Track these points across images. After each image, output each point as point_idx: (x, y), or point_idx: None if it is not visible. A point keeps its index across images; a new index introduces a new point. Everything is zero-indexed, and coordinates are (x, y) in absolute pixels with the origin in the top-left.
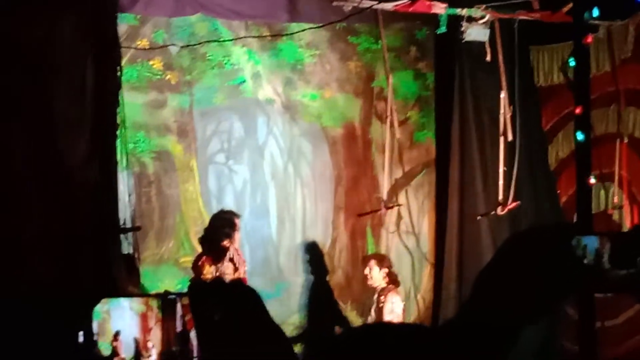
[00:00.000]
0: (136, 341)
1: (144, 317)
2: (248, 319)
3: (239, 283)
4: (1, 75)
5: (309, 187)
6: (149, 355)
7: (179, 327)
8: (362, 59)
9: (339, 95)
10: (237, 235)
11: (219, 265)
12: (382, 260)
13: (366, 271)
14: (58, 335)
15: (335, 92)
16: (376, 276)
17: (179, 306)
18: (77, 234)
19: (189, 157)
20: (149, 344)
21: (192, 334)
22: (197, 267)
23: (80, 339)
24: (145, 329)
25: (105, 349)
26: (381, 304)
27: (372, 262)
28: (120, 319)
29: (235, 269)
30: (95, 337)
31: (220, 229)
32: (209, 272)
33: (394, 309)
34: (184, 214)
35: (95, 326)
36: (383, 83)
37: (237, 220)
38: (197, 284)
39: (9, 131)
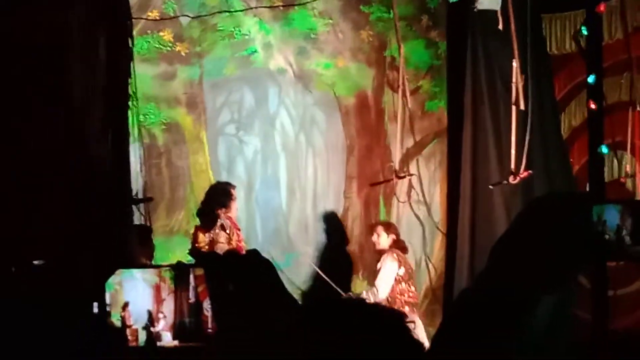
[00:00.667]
0: (149, 312)
1: (156, 289)
2: (262, 290)
3: (254, 254)
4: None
5: (321, 157)
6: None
7: (192, 299)
8: (374, 28)
9: (351, 64)
10: (234, 205)
11: (211, 233)
12: (389, 226)
13: (374, 238)
14: (71, 307)
15: (348, 61)
16: (383, 242)
17: (191, 277)
18: (90, 206)
19: (198, 129)
20: (160, 315)
21: (206, 305)
22: (193, 237)
23: (95, 309)
24: (158, 300)
25: (117, 320)
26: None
27: (380, 229)
28: (132, 290)
29: (229, 238)
30: (108, 309)
31: (215, 197)
32: (203, 240)
33: (382, 274)
34: (194, 185)
35: (107, 298)
36: (395, 52)
37: (232, 190)
38: (212, 255)
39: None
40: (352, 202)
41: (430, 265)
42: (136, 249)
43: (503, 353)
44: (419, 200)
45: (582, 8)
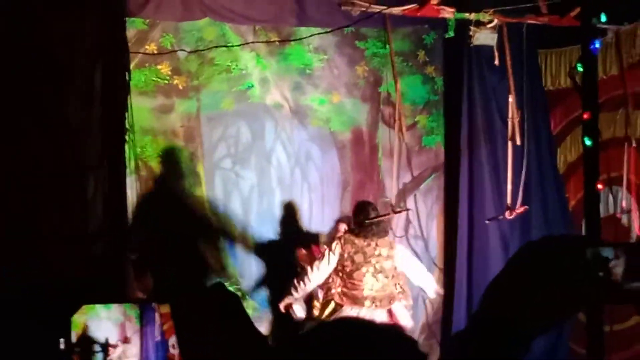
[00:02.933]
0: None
1: (122, 327)
2: (228, 325)
3: (220, 288)
4: (13, 80)
5: (316, 192)
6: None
7: (157, 337)
8: (369, 63)
9: (346, 100)
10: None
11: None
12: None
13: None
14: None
15: (343, 96)
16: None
17: (157, 315)
18: (86, 237)
19: (195, 162)
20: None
21: (171, 342)
22: None
23: (62, 346)
24: (124, 339)
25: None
26: None
27: None
28: (97, 329)
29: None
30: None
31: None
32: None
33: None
34: (190, 218)
35: (73, 336)
36: (390, 88)
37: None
38: (177, 292)
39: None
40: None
41: (427, 301)
42: (132, 283)
43: None
44: (416, 235)
45: (577, 44)
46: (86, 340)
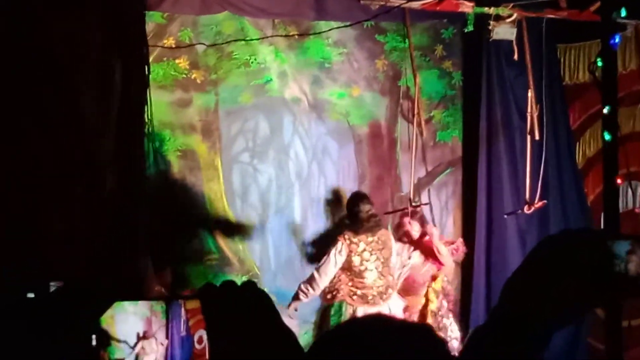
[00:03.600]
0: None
1: (147, 322)
2: (258, 323)
3: (251, 286)
4: (29, 75)
5: (333, 186)
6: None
7: (183, 332)
8: (389, 57)
9: (366, 93)
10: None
11: None
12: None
13: (407, 227)
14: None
15: (362, 90)
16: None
17: (182, 311)
18: (104, 235)
19: (213, 156)
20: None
21: (196, 338)
22: None
23: (94, 342)
24: (149, 334)
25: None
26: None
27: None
28: (123, 323)
29: None
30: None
31: None
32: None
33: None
34: (209, 212)
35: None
36: (409, 82)
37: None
38: (207, 287)
39: (37, 131)
40: None
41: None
42: (151, 279)
43: None
44: None
45: (596, 39)
46: (111, 335)
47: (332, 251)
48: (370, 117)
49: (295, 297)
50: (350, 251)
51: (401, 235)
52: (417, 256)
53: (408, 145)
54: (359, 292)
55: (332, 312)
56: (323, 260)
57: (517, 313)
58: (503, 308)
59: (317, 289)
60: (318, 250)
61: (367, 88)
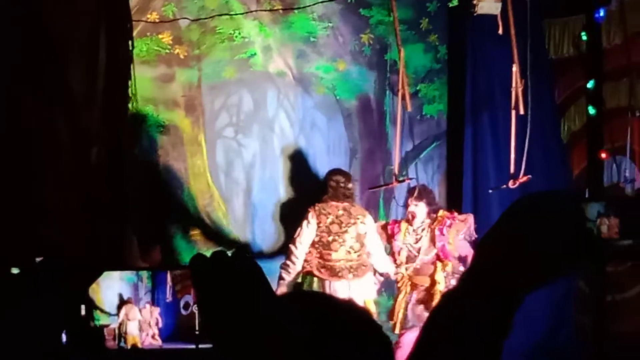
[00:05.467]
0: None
1: (134, 288)
2: (250, 293)
3: (241, 255)
4: (19, 48)
5: (322, 160)
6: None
7: (169, 297)
8: (374, 31)
9: (352, 67)
10: None
11: None
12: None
13: (412, 208)
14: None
15: (348, 64)
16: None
17: (168, 277)
18: (88, 207)
19: (197, 131)
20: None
21: (182, 303)
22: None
23: (82, 312)
24: (133, 300)
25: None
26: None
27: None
28: (109, 288)
29: None
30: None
31: None
32: None
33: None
34: (192, 187)
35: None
36: (396, 56)
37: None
38: (198, 257)
39: (27, 102)
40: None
41: None
42: (135, 252)
43: (491, 354)
44: None
45: (581, 13)
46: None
47: (304, 222)
48: (358, 90)
49: (280, 278)
50: (319, 222)
51: (409, 217)
52: (425, 241)
53: (394, 119)
54: (327, 264)
55: (301, 284)
56: (297, 232)
57: (491, 274)
58: (475, 269)
59: (296, 261)
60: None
61: (354, 62)
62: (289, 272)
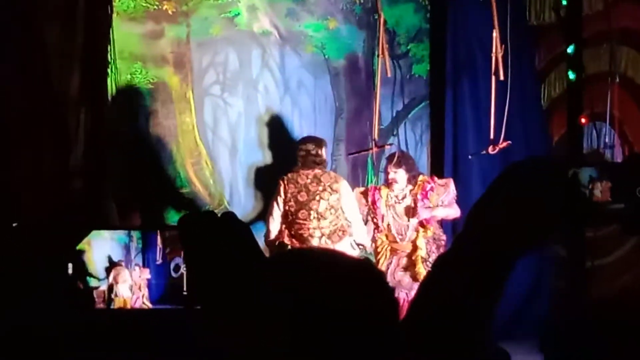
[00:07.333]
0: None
1: (125, 248)
2: (238, 253)
3: (230, 216)
4: None
5: (308, 119)
6: (124, 281)
7: (159, 260)
8: None
9: (342, 26)
10: None
11: None
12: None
13: (391, 175)
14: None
15: (339, 23)
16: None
17: (158, 238)
18: (68, 168)
19: (185, 89)
20: (128, 276)
21: (172, 266)
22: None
23: (70, 270)
24: (123, 262)
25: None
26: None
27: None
28: (100, 249)
29: None
30: (84, 269)
31: None
32: None
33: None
34: (180, 145)
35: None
36: (387, 15)
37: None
38: (188, 217)
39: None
40: (340, 164)
41: None
42: (114, 215)
43: (479, 321)
44: None
45: None
46: (87, 262)
47: (275, 196)
48: (347, 50)
49: None
50: (287, 192)
51: (390, 183)
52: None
53: (387, 79)
54: (296, 233)
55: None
56: (270, 207)
57: (483, 241)
58: (467, 236)
59: (271, 236)
60: None
61: (344, 21)
62: (267, 246)
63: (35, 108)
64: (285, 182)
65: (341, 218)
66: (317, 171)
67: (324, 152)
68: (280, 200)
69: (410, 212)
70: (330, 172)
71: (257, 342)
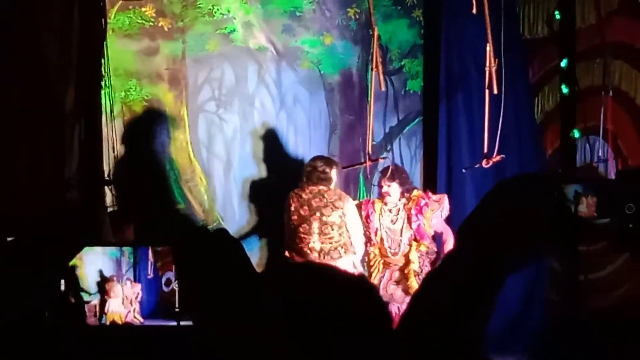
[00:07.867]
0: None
1: (117, 263)
2: (230, 270)
3: (223, 233)
4: None
5: (303, 135)
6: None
7: (150, 274)
8: (361, 5)
9: (338, 42)
10: None
11: None
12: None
13: (385, 189)
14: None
15: (335, 39)
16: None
17: (150, 253)
18: (62, 182)
19: (179, 105)
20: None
21: (164, 280)
22: None
23: (62, 287)
24: (115, 276)
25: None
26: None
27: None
28: (92, 263)
29: None
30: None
31: None
32: None
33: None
34: (174, 161)
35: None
36: (381, 30)
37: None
38: (181, 233)
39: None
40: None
41: None
42: (108, 230)
43: (470, 335)
44: None
45: None
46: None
47: (284, 210)
48: (342, 65)
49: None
50: (292, 207)
51: (383, 197)
52: (401, 222)
53: (380, 94)
54: (296, 247)
55: None
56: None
57: (477, 252)
58: (461, 248)
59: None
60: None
61: (340, 36)
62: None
63: (31, 120)
64: (292, 196)
65: (344, 236)
66: (322, 187)
67: (333, 172)
68: (286, 215)
69: (404, 226)
70: (337, 190)
71: (257, 346)
